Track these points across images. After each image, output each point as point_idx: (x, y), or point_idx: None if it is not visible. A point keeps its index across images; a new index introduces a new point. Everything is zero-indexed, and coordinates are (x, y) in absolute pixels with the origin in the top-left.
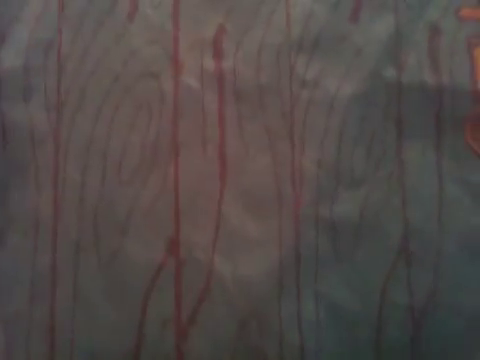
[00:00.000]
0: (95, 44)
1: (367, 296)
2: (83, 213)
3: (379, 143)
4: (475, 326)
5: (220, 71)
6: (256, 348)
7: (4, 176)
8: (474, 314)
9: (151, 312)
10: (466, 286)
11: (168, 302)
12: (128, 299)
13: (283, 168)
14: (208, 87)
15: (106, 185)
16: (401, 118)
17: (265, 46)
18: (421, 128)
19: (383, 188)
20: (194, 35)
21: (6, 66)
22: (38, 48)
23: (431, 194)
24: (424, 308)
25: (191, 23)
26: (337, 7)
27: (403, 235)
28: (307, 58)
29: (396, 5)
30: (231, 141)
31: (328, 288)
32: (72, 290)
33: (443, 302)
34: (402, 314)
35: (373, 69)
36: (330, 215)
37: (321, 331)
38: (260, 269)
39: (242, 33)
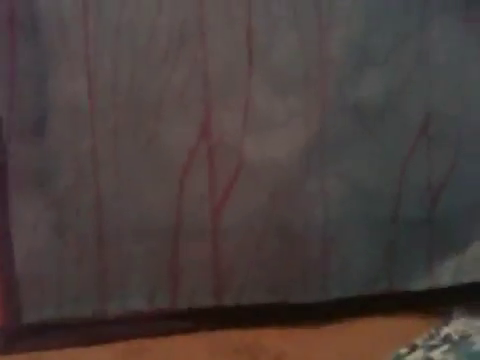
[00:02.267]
0: None
1: (388, 173)
2: (117, 99)
3: (406, 18)
4: None
5: None
6: (284, 222)
7: (39, 66)
8: None
9: (187, 191)
10: None
11: (203, 182)
12: (166, 180)
13: (310, 47)
14: None
15: (136, 70)
16: None
17: None
18: (450, 0)
19: (408, 66)
20: None
21: None
22: None
23: (455, 72)
24: (442, 184)
25: None
26: None
27: (426, 114)
28: None
29: None
30: (258, 20)
31: (351, 166)
32: (114, 173)
33: (460, 179)
34: (420, 190)
35: None
36: (355, 94)
37: (344, 206)
38: (287, 149)
39: None
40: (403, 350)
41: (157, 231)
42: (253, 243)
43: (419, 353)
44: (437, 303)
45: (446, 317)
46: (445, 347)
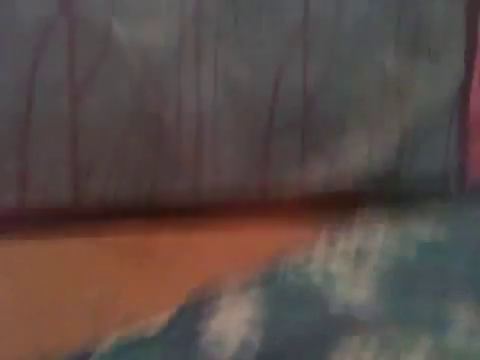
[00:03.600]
0: None
1: (264, 73)
2: None
3: None
4: (358, 108)
5: None
6: (153, 114)
7: None
8: (353, 100)
9: (41, 74)
10: (358, 74)
11: (60, 64)
12: (16, 59)
13: None
14: None
15: None
16: None
17: None
18: None
19: None
20: None
21: None
22: None
23: None
24: (317, 90)
25: None
26: None
27: (303, 18)
28: None
29: None
30: None
31: (227, 62)
32: None
33: (334, 86)
34: (295, 96)
35: None
36: None
37: (218, 103)
38: (160, 36)
39: None
40: (298, 258)
41: (3, 118)
42: (118, 136)
43: (316, 264)
44: (311, 211)
45: (338, 228)
46: (342, 260)
